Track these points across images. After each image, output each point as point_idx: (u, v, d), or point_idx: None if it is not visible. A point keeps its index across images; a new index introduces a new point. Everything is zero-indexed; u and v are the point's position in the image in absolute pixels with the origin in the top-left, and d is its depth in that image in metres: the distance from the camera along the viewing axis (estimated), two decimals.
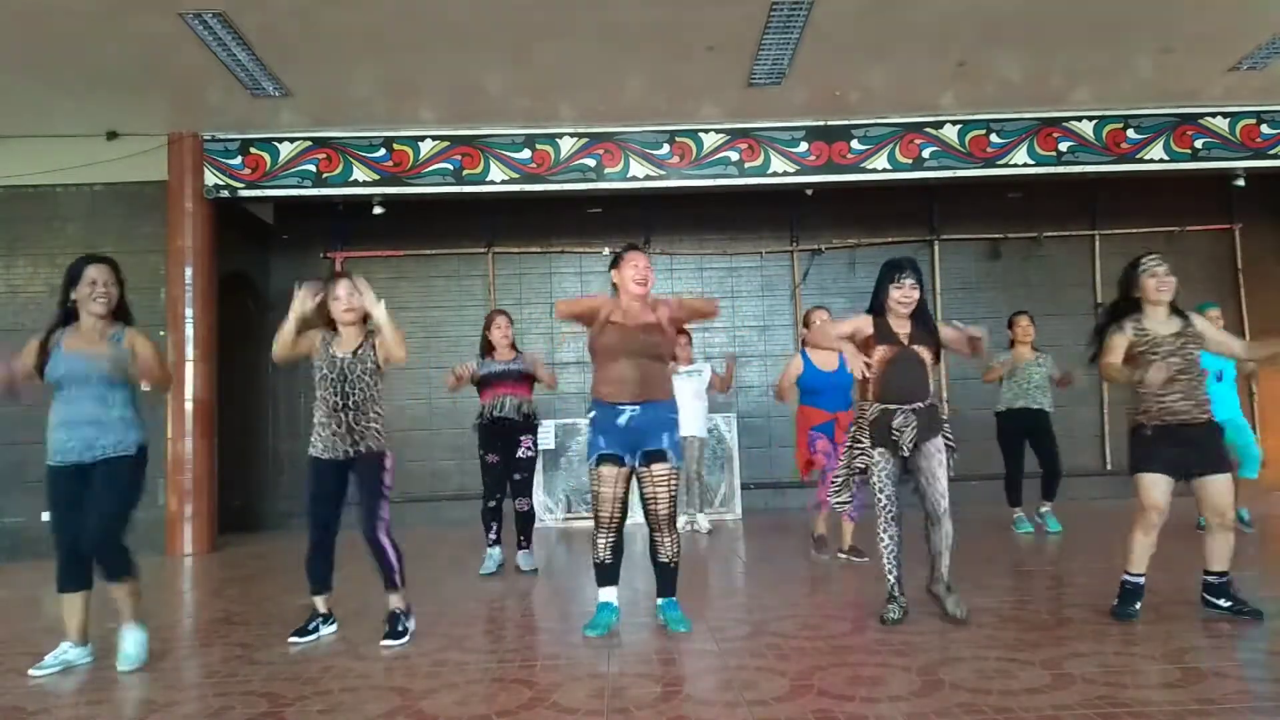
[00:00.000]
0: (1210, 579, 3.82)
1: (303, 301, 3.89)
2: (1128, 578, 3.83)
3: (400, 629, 3.90)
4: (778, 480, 9.05)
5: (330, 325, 4.03)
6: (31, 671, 3.58)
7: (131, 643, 3.63)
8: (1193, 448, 3.74)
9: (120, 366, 3.64)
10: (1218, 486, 3.75)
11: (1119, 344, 3.87)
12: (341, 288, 3.98)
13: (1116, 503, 8.35)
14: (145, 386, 3.82)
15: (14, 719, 3.07)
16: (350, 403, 3.91)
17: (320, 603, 4.04)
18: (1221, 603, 3.78)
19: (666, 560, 3.93)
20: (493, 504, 5.62)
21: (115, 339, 3.69)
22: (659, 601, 4.01)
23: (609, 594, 3.96)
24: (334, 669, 3.50)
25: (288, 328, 3.87)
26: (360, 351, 3.96)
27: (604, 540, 3.90)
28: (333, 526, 3.99)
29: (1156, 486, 3.73)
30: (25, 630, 4.66)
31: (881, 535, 3.94)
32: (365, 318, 4.01)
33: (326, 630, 4.04)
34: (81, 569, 3.64)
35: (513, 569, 5.66)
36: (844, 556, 5.53)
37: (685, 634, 3.81)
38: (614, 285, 3.99)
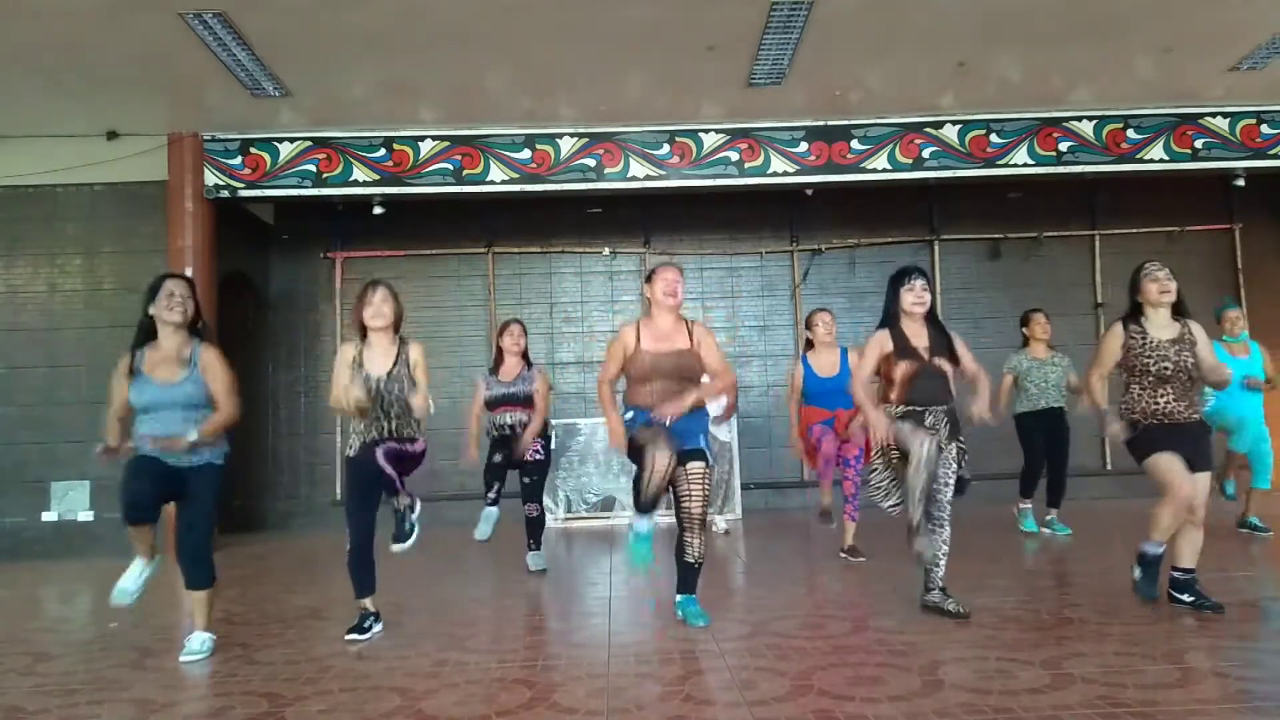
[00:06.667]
0: (1177, 575, 3.89)
1: (348, 393, 3.90)
2: (1148, 548, 3.87)
3: (408, 527, 4.04)
4: (778, 480, 9.05)
5: (362, 331, 4.07)
6: (116, 598, 3.83)
7: (198, 643, 3.85)
8: (1185, 443, 3.81)
9: (200, 395, 3.88)
10: (1199, 484, 3.80)
11: (1112, 351, 3.95)
12: (377, 294, 4.02)
13: (1117, 503, 8.35)
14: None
15: (14, 719, 3.07)
16: (392, 414, 4.02)
17: (369, 603, 4.09)
18: (1185, 598, 3.86)
19: (692, 560, 3.99)
20: (498, 459, 5.59)
21: (192, 361, 3.88)
22: (678, 598, 4.06)
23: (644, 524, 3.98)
24: (334, 669, 3.51)
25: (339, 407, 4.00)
26: (395, 372, 4.00)
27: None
28: (371, 528, 4.10)
29: (1172, 464, 3.77)
30: (25, 630, 4.66)
31: (926, 529, 3.85)
32: (397, 326, 4.09)
33: (377, 629, 4.07)
34: (146, 510, 3.78)
35: (523, 566, 5.69)
36: (844, 556, 5.55)
37: (686, 634, 3.82)
38: (646, 300, 4.12)
